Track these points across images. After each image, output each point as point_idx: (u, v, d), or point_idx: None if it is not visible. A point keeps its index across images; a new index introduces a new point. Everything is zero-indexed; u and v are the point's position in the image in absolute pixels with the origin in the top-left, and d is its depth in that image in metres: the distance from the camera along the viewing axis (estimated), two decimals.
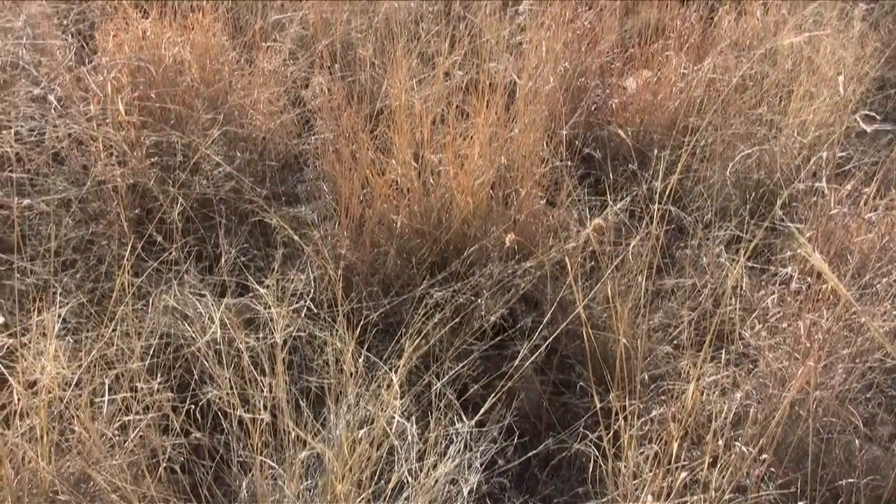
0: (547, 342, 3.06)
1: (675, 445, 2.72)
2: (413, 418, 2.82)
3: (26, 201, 3.42)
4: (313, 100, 4.00)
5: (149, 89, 3.81)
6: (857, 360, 3.15)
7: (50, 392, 2.60)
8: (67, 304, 3.03)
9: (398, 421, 2.74)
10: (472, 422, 2.78)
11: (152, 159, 3.62)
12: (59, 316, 2.92)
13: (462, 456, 2.74)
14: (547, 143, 3.75)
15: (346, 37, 4.53)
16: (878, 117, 3.70)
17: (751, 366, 3.24)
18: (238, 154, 3.79)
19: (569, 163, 3.83)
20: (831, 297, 3.18)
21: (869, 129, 3.67)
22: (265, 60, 4.11)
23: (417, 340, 2.84)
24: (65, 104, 3.76)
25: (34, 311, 2.86)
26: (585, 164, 4.10)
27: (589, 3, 4.74)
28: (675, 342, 3.36)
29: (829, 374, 3.07)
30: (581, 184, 3.93)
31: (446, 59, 3.88)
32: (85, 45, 4.21)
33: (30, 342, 2.70)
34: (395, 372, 2.73)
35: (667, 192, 3.12)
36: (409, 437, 2.74)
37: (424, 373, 2.99)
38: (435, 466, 2.69)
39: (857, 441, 3.04)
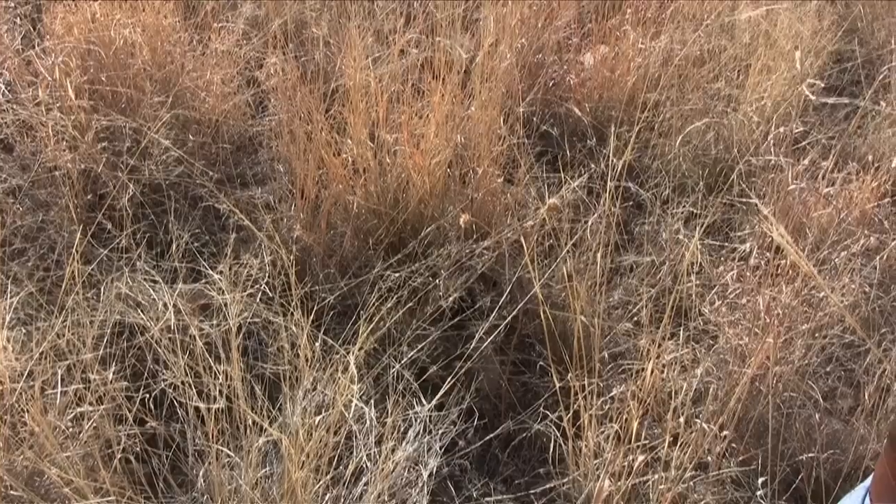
0: (505, 322, 3.03)
1: (636, 424, 2.71)
2: (371, 402, 2.79)
3: None
4: (267, 80, 3.95)
5: (99, 72, 3.75)
6: (817, 335, 3.16)
7: (0, 384, 2.56)
8: (18, 293, 2.99)
9: (356, 405, 2.72)
10: (431, 404, 2.76)
11: (102, 144, 3.56)
12: (11, 305, 2.88)
13: (421, 439, 2.72)
14: (504, 120, 3.71)
15: (300, 15, 4.47)
16: (821, 84, 3.68)
17: (710, 342, 3.24)
18: (190, 137, 3.74)
19: (526, 140, 3.81)
20: (790, 271, 3.18)
21: (829, 101, 3.67)
22: (218, 41, 4.05)
23: (374, 324, 2.81)
24: (12, 89, 3.69)
25: None
26: (543, 142, 4.07)
27: None
28: (635, 319, 3.35)
29: (789, 349, 3.07)
30: (539, 161, 3.91)
31: (401, 37, 3.83)
32: (33, 28, 4.13)
33: None
34: (352, 355, 2.70)
35: (623, 169, 3.10)
36: (368, 422, 2.72)
37: (382, 356, 2.96)
38: (394, 451, 2.67)
39: (816, 415, 3.05)
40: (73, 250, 2.84)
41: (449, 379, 2.82)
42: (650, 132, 4.06)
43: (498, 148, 3.61)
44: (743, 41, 4.46)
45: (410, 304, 3.14)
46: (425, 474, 2.64)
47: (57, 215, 3.43)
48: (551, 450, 2.90)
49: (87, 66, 3.76)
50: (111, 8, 3.93)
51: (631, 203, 3.77)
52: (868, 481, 1.75)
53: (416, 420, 2.75)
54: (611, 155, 3.07)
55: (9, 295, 2.94)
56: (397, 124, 3.56)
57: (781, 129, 3.38)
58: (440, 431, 2.75)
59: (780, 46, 4.25)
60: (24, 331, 2.93)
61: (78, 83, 3.58)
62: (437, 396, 2.77)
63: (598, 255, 3.13)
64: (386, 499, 2.61)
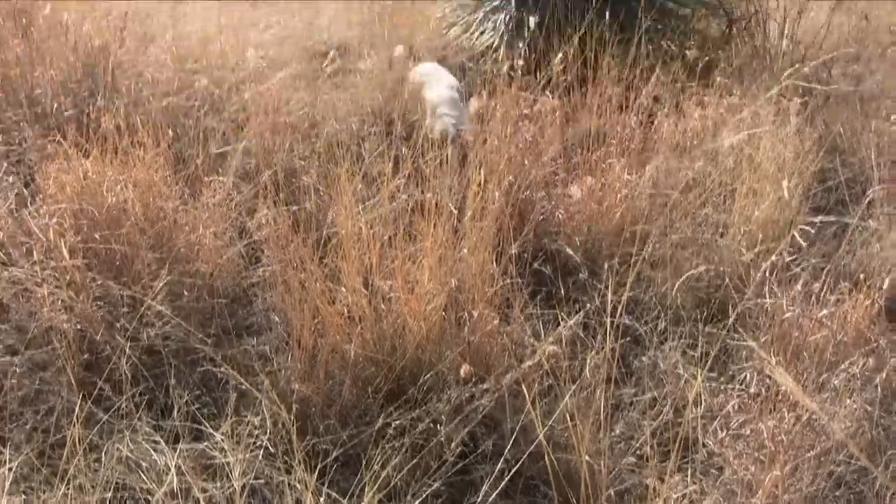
0: (511, 468, 3.02)
1: None
2: None
3: None
4: (259, 231, 3.98)
5: (92, 231, 3.77)
6: (823, 460, 3.13)
7: None
8: (16, 458, 2.97)
9: None
10: None
11: (98, 303, 3.57)
12: (10, 471, 2.86)
13: None
14: (496, 260, 3.73)
15: (290, 164, 4.53)
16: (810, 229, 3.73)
17: (717, 473, 3.21)
18: (185, 293, 3.75)
19: (519, 279, 3.82)
20: (791, 397, 3.18)
21: (817, 220, 3.71)
22: (209, 194, 4.09)
23: (379, 480, 2.79)
24: (6, 251, 3.71)
25: None
26: (535, 279, 4.09)
27: (531, 117, 4.78)
28: (638, 453, 3.33)
29: (797, 476, 3.05)
30: (533, 299, 3.92)
31: (390, 182, 3.88)
32: (25, 188, 4.17)
33: None
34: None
35: (622, 306, 3.11)
36: None
37: None
38: None
39: None
40: (74, 417, 2.83)
41: None
42: (641, 263, 4.09)
43: (492, 289, 3.62)
44: (727, 166, 4.52)
45: (415, 459, 3.12)
46: None
47: (54, 377, 3.42)
48: None
49: (80, 224, 3.79)
50: (103, 165, 3.97)
51: (628, 338, 3.77)
52: None
53: None
54: (609, 293, 3.09)
55: (7, 460, 2.92)
56: (391, 270, 3.58)
57: (773, 259, 3.41)
58: None
59: (764, 169, 4.31)
60: (24, 497, 2.91)
61: (71, 243, 3.61)
62: None
63: (599, 391, 3.12)
64: None
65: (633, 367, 3.69)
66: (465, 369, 3.30)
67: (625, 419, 3.48)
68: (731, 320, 3.37)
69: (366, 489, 2.74)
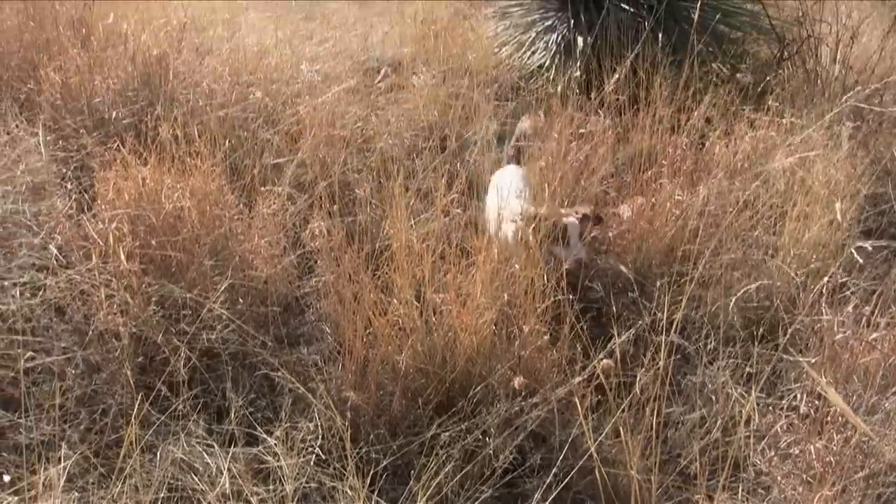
0: (560, 482, 3.03)
1: None
2: None
3: (29, 354, 3.40)
4: (313, 241, 4.02)
5: (149, 237, 3.83)
6: (872, 482, 3.13)
7: None
8: (72, 457, 3.01)
9: None
10: None
11: (156, 307, 3.62)
12: (65, 469, 2.90)
13: None
14: (547, 277, 3.75)
15: (343, 177, 4.57)
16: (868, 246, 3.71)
17: (763, 492, 3.21)
18: (241, 300, 3.79)
19: (570, 296, 3.84)
20: (840, 418, 3.18)
21: (868, 246, 3.69)
22: (264, 205, 4.14)
23: (430, 490, 2.82)
24: (65, 253, 3.76)
25: (40, 466, 2.83)
26: (586, 297, 4.10)
27: (583, 136, 4.80)
28: (687, 472, 3.33)
29: (844, 497, 3.05)
30: (583, 317, 3.93)
31: (444, 197, 3.91)
32: (84, 193, 4.23)
33: (36, 499, 2.67)
34: None
35: (675, 325, 3.12)
36: None
37: None
38: None
39: None
40: (132, 417, 2.87)
41: None
42: (690, 283, 4.09)
43: (542, 305, 3.63)
44: (778, 189, 4.52)
45: (465, 469, 3.14)
46: None
47: (110, 378, 3.46)
48: None
49: (138, 230, 3.84)
50: (160, 173, 4.03)
51: (678, 356, 3.78)
52: None
53: None
54: (663, 313, 3.10)
55: (62, 458, 2.96)
56: (443, 283, 3.60)
57: (825, 280, 3.41)
58: None
59: (815, 192, 4.30)
60: (78, 495, 2.95)
61: (129, 248, 3.65)
62: None
63: (649, 409, 3.13)
64: None
65: (683, 386, 3.69)
66: (518, 381, 3.32)
67: (673, 437, 3.48)
68: (782, 340, 3.36)
69: (418, 497, 2.77)
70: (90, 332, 3.54)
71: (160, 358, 3.52)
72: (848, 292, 3.85)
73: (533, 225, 3.84)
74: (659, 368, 3.10)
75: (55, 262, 3.69)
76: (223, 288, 3.61)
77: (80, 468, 3.08)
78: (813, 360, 3.49)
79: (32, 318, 3.53)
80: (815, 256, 4.15)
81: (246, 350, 3.62)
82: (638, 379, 3.35)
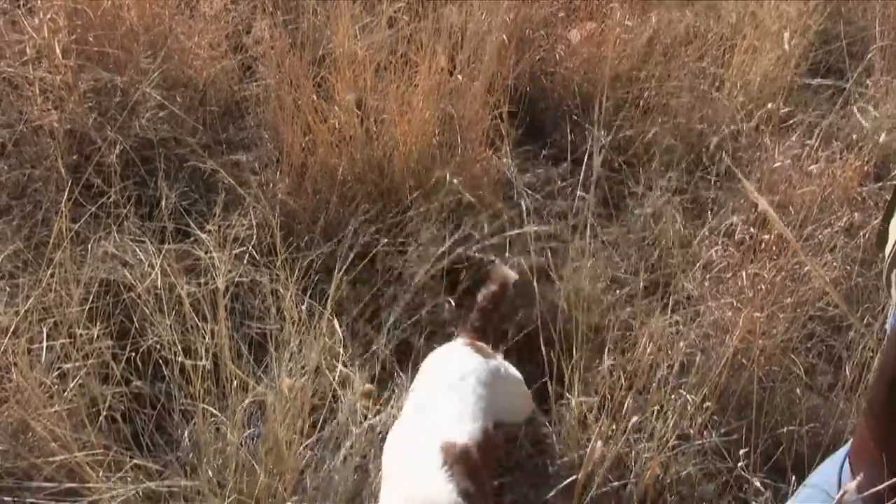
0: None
1: (622, 395, 2.76)
2: (356, 365, 2.81)
3: None
4: (255, 46, 3.93)
5: (86, 32, 3.72)
6: (799, 310, 3.18)
7: None
8: (3, 251, 2.98)
9: (341, 369, 2.75)
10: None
11: (90, 103, 3.54)
12: None
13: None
14: (490, 92, 3.71)
15: None
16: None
17: (694, 315, 3.25)
18: (178, 99, 3.71)
19: (511, 111, 3.80)
20: (774, 247, 3.21)
21: (814, 82, 3.69)
22: (206, 5, 4.02)
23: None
24: None
25: None
26: (529, 115, 4.07)
27: None
28: (619, 293, 3.37)
29: (772, 323, 3.10)
30: (526, 134, 3.92)
31: (389, 6, 3.82)
32: None
33: None
34: (326, 304, 2.73)
35: (608, 144, 3.11)
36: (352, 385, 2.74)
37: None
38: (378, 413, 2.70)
39: (798, 390, 3.08)
40: (62, 207, 2.83)
41: None
42: (635, 108, 4.07)
43: (485, 118, 3.60)
44: (729, 21, 4.48)
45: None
46: None
47: (43, 174, 3.40)
48: None
49: (75, 25, 3.72)
50: None
51: (617, 179, 3.78)
52: (848, 445, 1.79)
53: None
54: (598, 130, 3.08)
55: None
56: (385, 94, 3.55)
57: (769, 106, 3.40)
58: None
59: (766, 27, 4.27)
60: (9, 286, 2.93)
61: (65, 43, 3.55)
62: None
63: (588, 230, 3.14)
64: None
65: (620, 207, 3.70)
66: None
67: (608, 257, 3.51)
68: (723, 167, 3.38)
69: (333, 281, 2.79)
70: (22, 126, 3.46)
71: (95, 148, 3.44)
72: (790, 123, 3.86)
73: None
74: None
75: None
76: (157, 75, 3.53)
77: (11, 261, 3.05)
78: (752, 186, 3.50)
79: None
80: (760, 91, 4.14)
81: (180, 143, 3.56)
82: (577, 196, 3.35)
